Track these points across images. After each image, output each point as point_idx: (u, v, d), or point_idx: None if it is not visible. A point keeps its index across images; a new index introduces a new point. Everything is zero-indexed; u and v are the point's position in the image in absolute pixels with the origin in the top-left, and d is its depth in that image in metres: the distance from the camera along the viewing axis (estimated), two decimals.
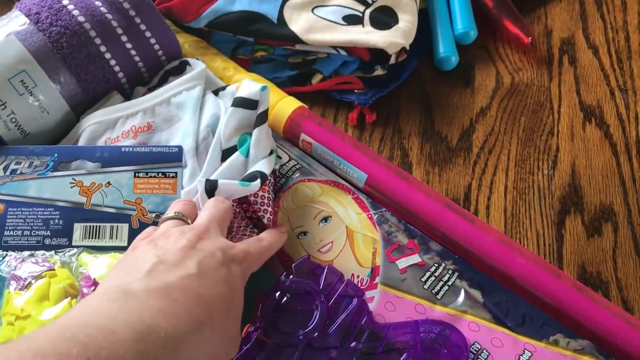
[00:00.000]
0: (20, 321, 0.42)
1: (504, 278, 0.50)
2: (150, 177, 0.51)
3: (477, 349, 0.47)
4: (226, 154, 0.52)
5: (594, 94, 0.64)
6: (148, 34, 0.57)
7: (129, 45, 0.56)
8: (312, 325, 0.45)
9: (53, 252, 0.48)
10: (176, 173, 0.51)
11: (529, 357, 0.46)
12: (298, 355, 0.44)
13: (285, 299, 0.47)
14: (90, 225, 0.49)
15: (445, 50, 0.64)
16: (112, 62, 0.55)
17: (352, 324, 0.46)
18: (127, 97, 0.57)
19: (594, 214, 0.56)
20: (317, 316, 0.46)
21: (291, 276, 0.47)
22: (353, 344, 0.45)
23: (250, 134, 0.52)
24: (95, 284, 0.44)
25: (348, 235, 0.52)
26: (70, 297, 0.44)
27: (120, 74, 0.56)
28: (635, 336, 0.47)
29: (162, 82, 0.57)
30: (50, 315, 0.42)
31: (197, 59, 0.60)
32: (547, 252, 0.54)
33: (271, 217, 0.50)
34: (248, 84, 0.54)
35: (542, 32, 0.69)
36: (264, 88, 0.53)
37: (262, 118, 0.52)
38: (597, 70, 0.65)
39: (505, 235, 0.53)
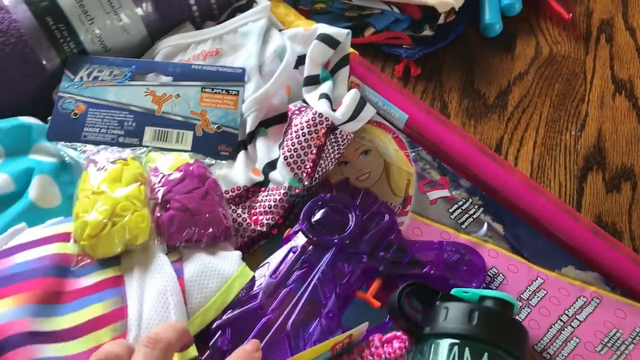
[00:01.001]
0: (95, 195, 0.48)
1: (526, 216, 0.55)
2: (215, 93, 0.57)
3: (494, 273, 0.51)
4: (309, 80, 0.58)
5: (627, 70, 0.68)
6: None
7: None
8: (346, 232, 0.50)
9: (126, 148, 0.54)
10: (238, 91, 0.57)
11: (541, 283, 0.51)
12: (332, 257, 0.49)
13: (323, 210, 0.52)
14: (159, 130, 0.55)
15: (491, 17, 0.69)
16: None
17: (382, 238, 0.51)
18: (198, 29, 0.63)
19: (614, 173, 0.60)
20: (352, 226, 0.51)
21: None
22: (382, 253, 0.50)
23: (326, 70, 0.58)
24: (162, 173, 0.50)
25: (385, 167, 0.57)
26: (139, 183, 0.49)
27: (194, 7, 0.62)
28: None
29: (230, 17, 0.63)
30: (121, 194, 0.48)
31: None
32: (568, 201, 0.59)
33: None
34: (327, 26, 0.60)
35: (583, 12, 0.73)
36: (348, 34, 0.59)
37: (346, 60, 0.59)
38: (632, 49, 0.69)
39: (531, 178, 0.58)
